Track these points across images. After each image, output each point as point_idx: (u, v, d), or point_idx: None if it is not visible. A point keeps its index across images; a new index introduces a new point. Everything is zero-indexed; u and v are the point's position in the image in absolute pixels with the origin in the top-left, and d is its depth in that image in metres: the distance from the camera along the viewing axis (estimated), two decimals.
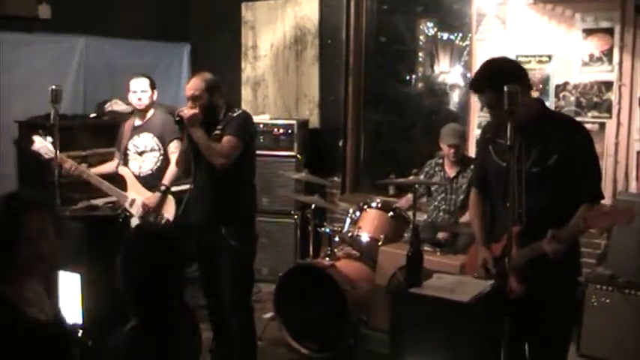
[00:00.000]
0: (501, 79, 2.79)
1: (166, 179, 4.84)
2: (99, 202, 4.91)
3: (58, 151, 4.31)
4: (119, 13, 6.43)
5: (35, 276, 2.36)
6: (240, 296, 4.14)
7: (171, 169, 4.85)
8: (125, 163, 5.01)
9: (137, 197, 4.87)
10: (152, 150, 4.96)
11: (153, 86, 4.98)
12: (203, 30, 7.25)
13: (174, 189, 4.92)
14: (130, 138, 4.99)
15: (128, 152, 4.99)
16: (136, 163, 4.97)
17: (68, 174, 4.68)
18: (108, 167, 5.12)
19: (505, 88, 2.77)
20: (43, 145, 4.65)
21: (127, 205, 4.84)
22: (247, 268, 4.17)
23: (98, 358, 2.43)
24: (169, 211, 4.90)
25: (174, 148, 4.88)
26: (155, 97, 5.01)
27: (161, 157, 4.96)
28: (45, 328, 2.30)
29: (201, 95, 4.00)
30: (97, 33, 6.23)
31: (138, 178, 4.95)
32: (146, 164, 4.96)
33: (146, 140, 4.96)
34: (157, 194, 4.82)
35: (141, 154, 4.97)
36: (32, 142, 4.70)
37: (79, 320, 3.27)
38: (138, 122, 5.02)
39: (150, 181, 4.92)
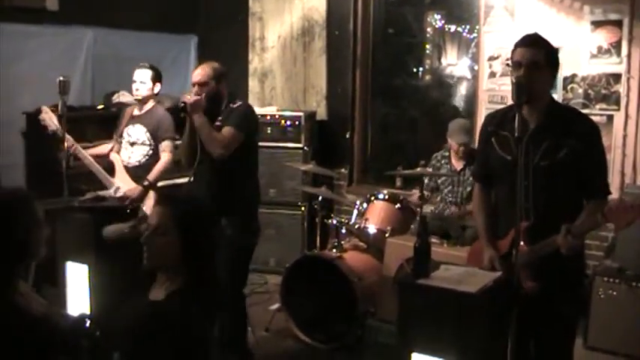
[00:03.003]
0: (555, 49, 2.94)
1: (152, 175, 4.83)
2: (106, 193, 4.92)
3: (65, 138, 4.37)
4: (126, 4, 6.42)
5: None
6: (233, 286, 4.12)
7: (159, 167, 4.86)
8: (119, 149, 5.03)
9: (122, 186, 4.86)
10: (142, 144, 4.95)
11: (156, 79, 4.95)
12: (210, 21, 7.25)
13: (163, 183, 4.95)
14: (126, 125, 5.00)
15: (122, 140, 5.00)
16: (126, 153, 4.98)
17: (72, 155, 4.70)
18: (101, 149, 5.11)
19: (514, 79, 2.76)
20: (49, 115, 4.64)
21: (111, 191, 4.83)
22: (244, 260, 4.18)
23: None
24: (148, 206, 4.82)
25: (166, 147, 4.89)
26: (157, 90, 4.99)
27: (150, 152, 4.94)
28: (35, 324, 2.33)
29: (208, 82, 4.04)
30: (105, 24, 6.22)
31: (126, 167, 4.95)
32: (135, 156, 4.96)
33: (138, 132, 4.95)
34: (139, 188, 4.81)
35: (132, 144, 4.96)
36: (40, 111, 4.71)
37: (87, 310, 3.30)
38: (136, 112, 5.02)
39: (136, 173, 4.91)
